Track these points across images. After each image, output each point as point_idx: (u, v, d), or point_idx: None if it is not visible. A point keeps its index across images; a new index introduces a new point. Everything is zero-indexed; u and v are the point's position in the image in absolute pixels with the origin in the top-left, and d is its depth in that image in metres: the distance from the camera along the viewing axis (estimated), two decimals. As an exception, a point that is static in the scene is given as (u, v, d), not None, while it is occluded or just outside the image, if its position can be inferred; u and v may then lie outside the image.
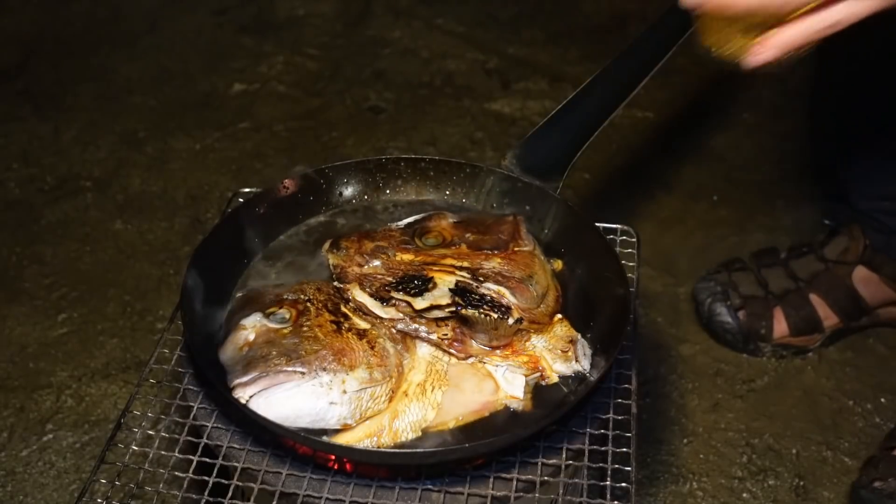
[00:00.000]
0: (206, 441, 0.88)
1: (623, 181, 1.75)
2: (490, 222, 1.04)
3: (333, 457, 0.85)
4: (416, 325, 0.91)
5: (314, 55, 2.13)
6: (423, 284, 0.93)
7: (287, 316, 0.89)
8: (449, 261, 0.97)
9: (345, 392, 0.83)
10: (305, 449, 0.85)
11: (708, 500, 1.20)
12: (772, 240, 1.56)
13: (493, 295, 0.93)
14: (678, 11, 1.21)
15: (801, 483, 1.22)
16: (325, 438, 0.83)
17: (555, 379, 0.90)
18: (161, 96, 2.00)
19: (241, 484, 0.85)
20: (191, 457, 0.87)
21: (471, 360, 0.90)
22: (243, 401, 0.82)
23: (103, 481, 0.87)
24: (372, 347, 0.87)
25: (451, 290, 0.92)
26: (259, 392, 0.82)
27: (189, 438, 0.89)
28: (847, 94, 1.36)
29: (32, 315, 1.45)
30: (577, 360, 0.90)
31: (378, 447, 0.84)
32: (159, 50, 2.16)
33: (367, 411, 0.85)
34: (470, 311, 0.90)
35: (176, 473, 0.85)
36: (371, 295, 0.93)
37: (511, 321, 0.90)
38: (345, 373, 0.84)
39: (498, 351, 0.90)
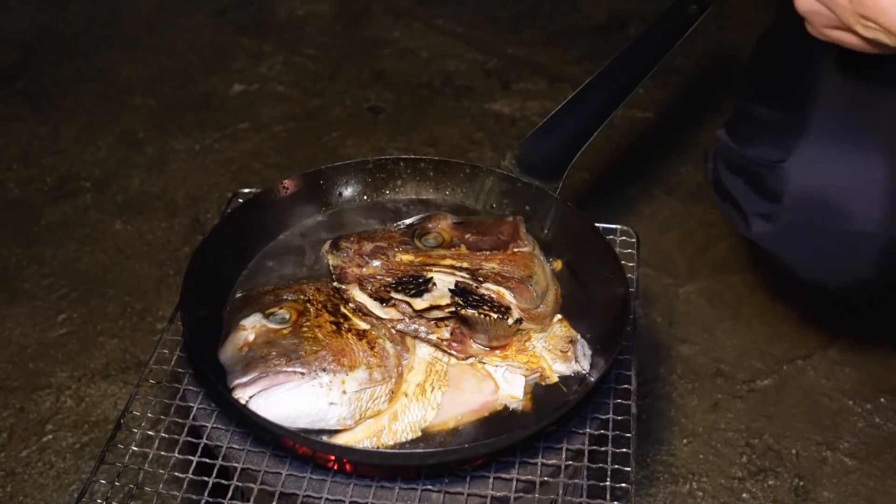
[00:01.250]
0: (205, 441, 0.88)
1: (622, 181, 1.75)
2: (490, 223, 1.04)
3: (333, 457, 0.85)
4: (416, 326, 0.91)
5: (314, 55, 2.13)
6: (422, 285, 0.93)
7: (287, 316, 0.89)
8: (448, 261, 0.97)
9: (344, 392, 0.83)
10: (305, 449, 0.85)
11: (708, 501, 1.20)
12: (771, 240, 1.56)
13: (493, 295, 0.93)
14: (677, 12, 1.22)
15: (801, 483, 1.22)
16: (324, 439, 0.83)
17: (554, 379, 0.90)
18: (161, 97, 2.00)
19: (240, 484, 0.85)
20: (190, 457, 0.87)
21: (470, 360, 0.90)
22: (243, 401, 0.82)
23: (103, 482, 0.87)
24: (371, 348, 0.87)
25: (450, 290, 0.92)
26: (259, 392, 0.82)
27: (189, 439, 0.89)
28: None
29: (32, 315, 1.45)
30: (576, 361, 0.90)
31: (378, 447, 0.84)
32: (159, 50, 2.16)
33: (367, 412, 0.85)
34: (470, 312, 0.90)
35: (176, 474, 0.85)
36: (371, 295, 0.93)
37: (511, 321, 0.90)
38: (344, 373, 0.84)
39: (497, 351, 0.91)
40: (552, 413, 0.85)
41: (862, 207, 1.01)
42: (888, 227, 1.01)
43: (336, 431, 0.84)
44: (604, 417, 0.89)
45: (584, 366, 0.91)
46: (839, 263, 1.08)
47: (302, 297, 0.92)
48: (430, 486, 0.83)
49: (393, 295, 0.92)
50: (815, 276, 1.13)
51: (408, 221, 1.06)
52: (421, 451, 0.83)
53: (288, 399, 0.82)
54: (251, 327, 0.88)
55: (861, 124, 1.03)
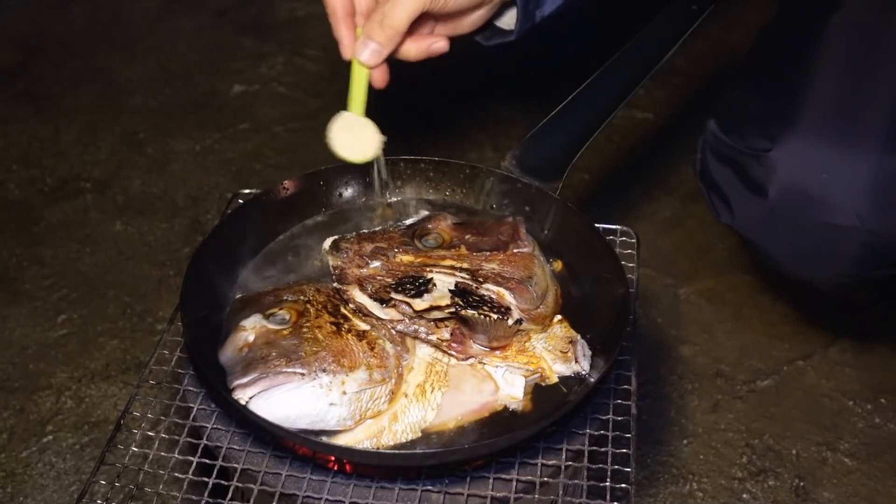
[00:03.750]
0: (205, 442, 0.88)
1: (623, 182, 1.75)
2: (490, 223, 1.04)
3: (333, 458, 0.85)
4: (416, 327, 0.91)
5: (314, 56, 2.13)
6: (422, 286, 0.93)
7: (287, 317, 0.89)
8: (448, 262, 0.97)
9: (344, 393, 0.83)
10: (305, 450, 0.85)
11: (708, 501, 1.20)
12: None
13: (493, 296, 0.93)
14: (676, 11, 1.22)
15: (801, 484, 1.22)
16: (324, 439, 0.83)
17: (554, 380, 0.90)
18: (161, 97, 2.00)
19: (240, 485, 0.85)
20: (190, 458, 0.87)
21: (470, 360, 0.90)
22: (243, 402, 0.82)
23: (103, 482, 0.87)
24: (372, 349, 0.87)
25: (450, 291, 0.92)
26: (259, 393, 0.82)
27: (189, 440, 0.89)
28: None
29: (32, 316, 1.45)
30: (576, 361, 0.90)
31: (378, 448, 0.84)
32: (159, 51, 2.16)
33: (367, 412, 0.85)
34: (469, 313, 0.90)
35: (176, 475, 0.85)
36: (371, 296, 0.93)
37: (511, 322, 0.90)
38: (344, 374, 0.84)
39: (498, 352, 0.91)
40: (552, 414, 0.85)
41: (845, 200, 1.02)
42: (870, 221, 1.02)
43: (336, 432, 0.84)
44: (604, 418, 0.89)
45: (584, 366, 0.91)
46: (820, 256, 1.09)
47: (302, 297, 0.92)
48: (430, 487, 0.83)
49: (393, 295, 0.92)
50: (797, 268, 1.14)
51: (408, 222, 1.06)
52: (421, 451, 0.83)
53: (288, 400, 0.82)
54: (251, 328, 0.88)
55: (849, 119, 1.04)
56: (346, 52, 1.01)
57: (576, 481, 0.91)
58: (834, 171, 1.03)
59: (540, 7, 1.07)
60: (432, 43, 1.02)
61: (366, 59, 0.98)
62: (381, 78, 1.01)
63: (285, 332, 0.87)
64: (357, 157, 1.02)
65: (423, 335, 0.90)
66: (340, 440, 0.83)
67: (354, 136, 1.02)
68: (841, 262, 1.08)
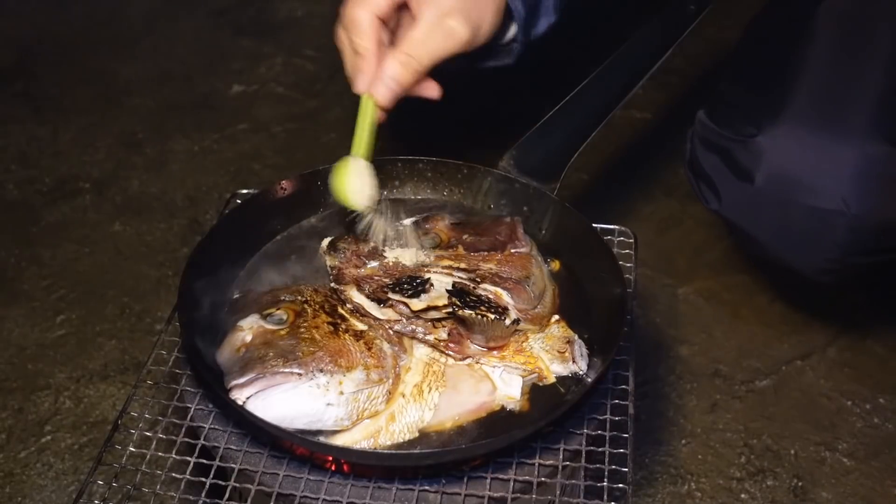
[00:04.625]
0: (203, 442, 0.88)
1: (621, 182, 1.75)
2: (487, 223, 1.04)
3: (330, 458, 0.85)
4: (414, 327, 0.91)
5: (313, 56, 2.13)
6: (420, 286, 0.93)
7: (284, 317, 0.89)
8: (446, 262, 0.97)
9: (342, 393, 0.83)
10: (302, 450, 0.85)
11: (706, 501, 1.20)
12: (770, 240, 1.56)
13: (491, 296, 0.93)
14: (675, 10, 1.22)
15: (800, 483, 1.22)
16: (321, 439, 0.83)
17: (552, 380, 0.90)
18: (159, 98, 2.00)
19: (238, 485, 0.85)
20: (188, 458, 0.87)
21: (468, 361, 0.90)
22: (240, 402, 0.82)
23: (101, 483, 0.87)
24: (369, 349, 0.87)
25: (448, 291, 0.92)
26: (256, 393, 0.82)
27: (186, 440, 0.89)
28: None
29: (31, 316, 1.45)
30: (574, 361, 0.90)
31: (375, 448, 0.84)
32: (158, 51, 2.16)
33: (364, 412, 0.85)
34: (467, 313, 0.90)
35: (173, 475, 0.85)
36: (368, 296, 0.93)
37: (508, 322, 0.90)
38: (342, 374, 0.84)
39: (495, 352, 0.91)
40: (549, 414, 0.85)
41: (831, 185, 1.03)
42: (856, 206, 1.02)
43: (333, 432, 0.84)
44: (601, 418, 0.89)
45: (581, 366, 0.91)
46: (807, 241, 1.09)
47: (299, 297, 0.93)
48: (427, 487, 0.83)
49: (390, 296, 0.92)
50: (783, 254, 1.15)
51: (406, 222, 1.06)
52: (418, 451, 0.83)
53: (285, 400, 0.82)
54: (248, 328, 0.88)
55: (836, 105, 1.05)
56: (364, 86, 0.96)
57: (573, 481, 0.91)
58: (820, 157, 1.04)
59: (535, 26, 1.07)
60: (427, 87, 1.01)
61: (380, 97, 0.95)
62: (381, 114, 0.99)
63: (282, 333, 0.87)
64: (358, 204, 0.97)
65: (420, 335, 0.91)
66: (338, 440, 0.84)
67: (360, 182, 0.97)
68: (827, 247, 1.08)
